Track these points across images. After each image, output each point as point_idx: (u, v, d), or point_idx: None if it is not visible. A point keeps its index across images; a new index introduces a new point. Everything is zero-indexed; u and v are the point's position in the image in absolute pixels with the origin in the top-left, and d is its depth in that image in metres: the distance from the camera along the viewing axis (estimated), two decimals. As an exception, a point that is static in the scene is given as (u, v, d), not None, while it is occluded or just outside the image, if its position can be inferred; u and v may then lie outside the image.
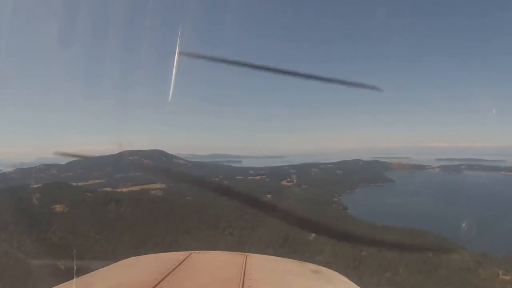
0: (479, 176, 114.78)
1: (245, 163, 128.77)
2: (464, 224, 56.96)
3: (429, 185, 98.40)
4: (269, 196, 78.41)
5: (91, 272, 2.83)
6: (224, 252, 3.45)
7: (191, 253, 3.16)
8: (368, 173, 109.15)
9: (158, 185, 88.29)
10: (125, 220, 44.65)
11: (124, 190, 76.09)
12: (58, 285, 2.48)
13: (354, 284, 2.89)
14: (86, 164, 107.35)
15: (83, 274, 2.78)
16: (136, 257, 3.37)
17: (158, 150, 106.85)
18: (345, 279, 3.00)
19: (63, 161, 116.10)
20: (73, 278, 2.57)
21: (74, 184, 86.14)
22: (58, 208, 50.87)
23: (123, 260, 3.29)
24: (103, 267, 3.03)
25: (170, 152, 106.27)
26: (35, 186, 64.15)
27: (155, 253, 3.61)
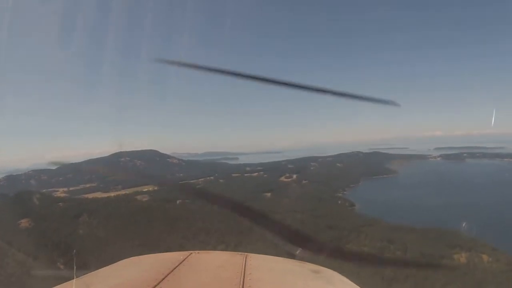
0: (484, 165, 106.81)
1: (242, 160, 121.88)
2: (485, 220, 48.83)
3: (435, 175, 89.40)
4: (268, 194, 69.97)
5: (91, 272, 2.71)
6: (224, 252, 3.33)
7: (191, 253, 3.02)
8: (370, 165, 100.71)
9: (150, 187, 79.77)
10: (93, 236, 35.32)
11: (113, 194, 68.43)
12: (58, 285, 2.38)
13: (354, 284, 2.77)
14: (77, 168, 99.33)
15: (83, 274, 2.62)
16: (136, 257, 3.18)
17: (151, 150, 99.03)
18: (345, 279, 2.87)
19: (54, 166, 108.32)
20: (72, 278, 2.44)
21: (60, 190, 77.57)
22: (24, 223, 41.83)
23: (123, 260, 3.13)
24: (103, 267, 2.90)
25: (164, 152, 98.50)
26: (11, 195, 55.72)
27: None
